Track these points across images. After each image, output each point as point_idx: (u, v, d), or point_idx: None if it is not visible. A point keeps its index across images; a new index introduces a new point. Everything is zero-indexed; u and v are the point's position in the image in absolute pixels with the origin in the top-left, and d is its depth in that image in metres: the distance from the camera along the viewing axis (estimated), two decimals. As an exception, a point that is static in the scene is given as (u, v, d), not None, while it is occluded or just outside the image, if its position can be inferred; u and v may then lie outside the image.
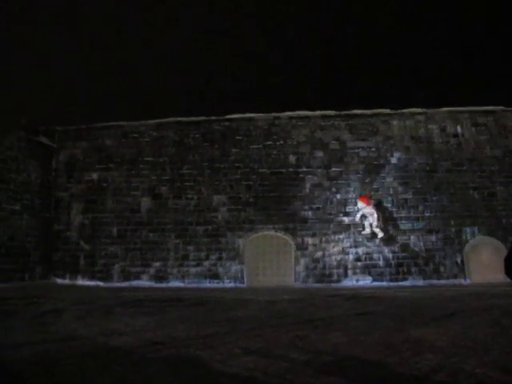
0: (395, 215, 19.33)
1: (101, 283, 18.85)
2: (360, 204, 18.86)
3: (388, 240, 18.99)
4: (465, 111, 20.63)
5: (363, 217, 18.76)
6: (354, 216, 19.01)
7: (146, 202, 19.87)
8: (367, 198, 18.93)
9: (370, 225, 18.57)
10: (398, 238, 19.07)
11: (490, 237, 18.77)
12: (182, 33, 52.28)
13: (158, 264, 19.14)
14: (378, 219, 18.63)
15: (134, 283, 18.73)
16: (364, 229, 18.75)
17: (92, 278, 19.19)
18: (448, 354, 6.01)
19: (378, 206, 19.10)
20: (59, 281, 19.27)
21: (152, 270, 19.12)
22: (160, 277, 19.02)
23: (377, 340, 6.99)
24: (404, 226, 19.19)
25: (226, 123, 20.59)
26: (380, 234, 18.53)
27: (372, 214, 18.55)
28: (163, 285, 18.57)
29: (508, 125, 20.42)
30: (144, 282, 18.83)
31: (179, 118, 20.93)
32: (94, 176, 20.32)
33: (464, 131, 20.34)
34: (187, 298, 13.42)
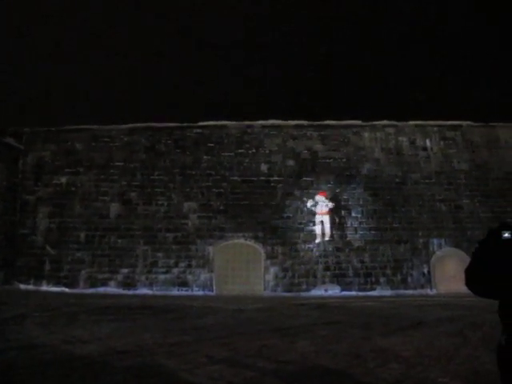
0: (364, 225, 19.54)
1: (66, 289, 18.39)
2: (318, 197, 19.08)
3: (357, 249, 19.19)
4: (433, 125, 21.11)
5: (320, 223, 18.98)
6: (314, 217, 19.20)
7: (115, 208, 19.55)
8: (324, 193, 19.18)
9: (323, 232, 18.85)
10: (367, 247, 19.26)
11: (455, 248, 19.16)
12: (157, 40, 52.09)
13: (125, 271, 18.83)
14: (332, 225, 18.88)
15: (101, 290, 18.35)
16: (321, 236, 18.98)
17: (57, 283, 18.71)
18: (413, 363, 6.08)
19: (336, 213, 19.32)
20: (22, 286, 18.69)
21: (120, 277, 18.78)
22: (128, 284, 18.70)
23: (344, 349, 7.02)
24: (373, 236, 19.40)
25: (199, 130, 20.51)
26: (327, 237, 18.79)
27: (327, 214, 18.85)
28: (131, 292, 18.25)
29: (474, 140, 20.96)
30: (111, 289, 18.46)
31: (151, 124, 20.75)
32: (63, 180, 19.89)
33: (433, 144, 20.78)
34: (155, 306, 13.23)
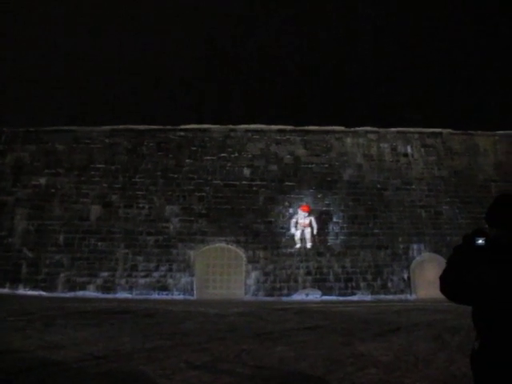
0: (345, 230, 19.64)
1: (44, 293, 18.03)
2: (300, 212, 19.08)
3: (338, 254, 19.27)
4: (414, 132, 21.39)
5: (301, 229, 19.00)
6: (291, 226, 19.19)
7: (95, 210, 19.32)
8: (307, 207, 19.18)
9: (302, 238, 18.89)
10: (348, 253, 19.36)
11: (435, 254, 19.37)
12: (140, 41, 51.82)
13: (105, 274, 18.58)
14: (313, 232, 18.93)
15: (80, 294, 18.05)
16: (301, 242, 19.01)
17: (34, 287, 18.34)
18: (391, 368, 6.11)
19: (318, 220, 19.38)
20: (-3, 290, 18.31)
21: (99, 281, 18.52)
22: (107, 287, 18.45)
23: (323, 354, 7.02)
24: (354, 241, 19.50)
25: (182, 133, 20.42)
26: (309, 245, 18.85)
27: (309, 226, 18.89)
28: (110, 296, 17.99)
29: (454, 147, 21.27)
30: (90, 293, 18.17)
31: (133, 126, 20.61)
32: (42, 181, 19.59)
33: (413, 151, 21.02)
34: (134, 310, 13.07)
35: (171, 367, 6.24)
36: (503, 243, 2.54)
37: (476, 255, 2.56)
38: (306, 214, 18.92)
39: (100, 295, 18.03)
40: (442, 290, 2.67)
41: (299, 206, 19.23)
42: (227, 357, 6.91)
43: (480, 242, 2.57)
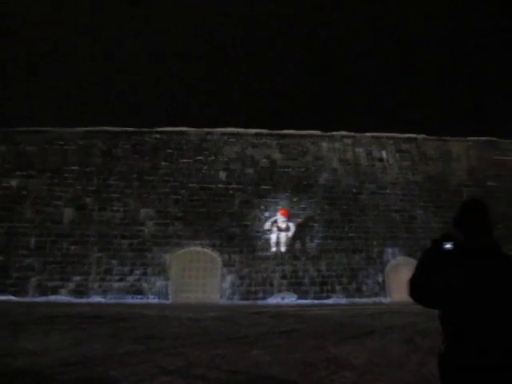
0: (321, 234, 19.72)
1: (14, 298, 17.60)
2: (279, 216, 19.15)
3: (313, 258, 19.33)
4: (390, 137, 21.65)
5: (277, 233, 19.08)
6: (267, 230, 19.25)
7: (68, 213, 18.97)
8: (287, 212, 19.25)
9: (278, 241, 18.97)
10: (324, 256, 19.44)
11: (409, 257, 19.59)
12: (118, 44, 51.34)
13: (78, 278, 18.24)
14: (288, 236, 19.02)
15: (52, 298, 17.67)
16: (277, 246, 19.08)
17: (3, 291, 17.86)
18: (364, 371, 6.12)
19: (293, 222, 19.47)
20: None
21: (71, 285, 18.17)
22: (80, 292, 18.12)
23: (297, 358, 6.99)
24: (329, 245, 19.59)
25: (157, 135, 20.26)
26: (283, 249, 18.93)
27: (285, 230, 18.98)
28: (83, 300, 17.68)
29: (428, 152, 21.61)
30: (62, 297, 17.81)
31: (108, 128, 20.33)
32: (13, 183, 19.15)
33: (388, 156, 21.27)
34: (107, 315, 12.84)
35: (143, 372, 6.12)
36: (471, 248, 2.57)
37: (444, 259, 2.58)
38: (286, 219, 18.99)
39: (73, 299, 17.69)
40: (411, 293, 2.68)
41: (279, 210, 19.28)
42: (201, 361, 6.83)
43: (448, 246, 2.59)
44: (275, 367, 6.43)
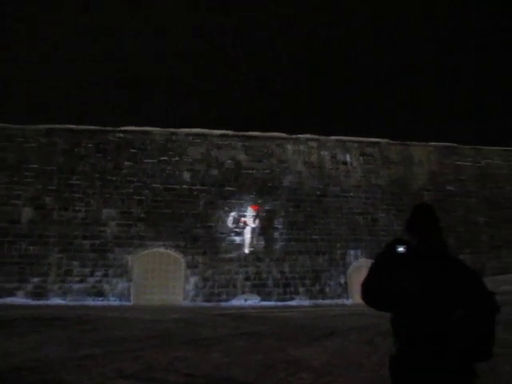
0: (285, 236, 19.83)
1: (-33, 300, 16.99)
2: (249, 211, 19.24)
3: (277, 260, 19.42)
4: (354, 141, 21.96)
5: (242, 235, 19.18)
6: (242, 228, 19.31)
7: (27, 213, 18.44)
8: (257, 206, 19.37)
9: (244, 243, 19.09)
10: (287, 258, 19.54)
11: (371, 259, 19.88)
12: (82, 39, 50.39)
13: (36, 280, 17.74)
14: (253, 238, 19.12)
15: (8, 300, 17.05)
16: (242, 246, 19.19)
17: (-43, 293, 17.26)
18: (322, 372, 6.17)
19: (258, 223, 19.56)
20: None
21: (29, 286, 17.66)
22: (38, 294, 17.62)
23: (257, 360, 6.99)
24: (293, 247, 19.72)
25: (121, 135, 19.94)
26: (249, 250, 19.04)
27: (250, 231, 19.10)
28: (41, 302, 17.18)
29: (391, 156, 22.04)
30: (19, 300, 17.26)
31: (71, 126, 19.88)
32: (-31, 181, 18.51)
33: (352, 160, 21.57)
34: (66, 317, 12.52)
35: (100, 376, 6.01)
36: (423, 251, 2.60)
37: (397, 262, 2.61)
38: (255, 213, 19.06)
39: (30, 302, 17.19)
40: (363, 296, 2.70)
41: (249, 206, 19.40)
42: (160, 365, 6.74)
43: (401, 249, 2.63)
44: (235, 369, 6.42)
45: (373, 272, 2.70)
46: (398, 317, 2.61)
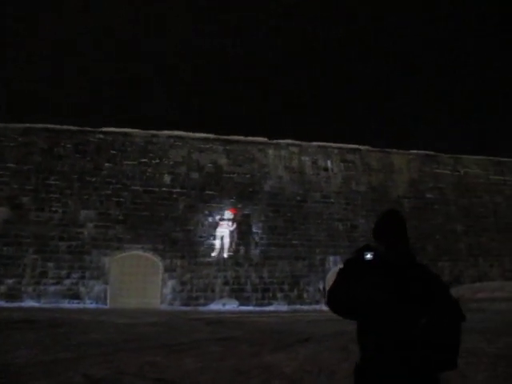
0: (264, 241, 19.79)
1: None
2: (227, 214, 19.25)
3: (256, 265, 19.37)
4: (335, 147, 22.06)
5: (221, 239, 19.14)
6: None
7: (3, 213, 18.06)
8: (235, 210, 19.39)
9: (222, 247, 19.05)
10: (266, 263, 19.50)
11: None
12: (68, 39, 49.91)
13: (10, 281, 17.37)
14: (232, 242, 19.11)
15: (-20, 302, 16.76)
16: (220, 251, 19.12)
17: None
18: (294, 379, 6.13)
19: (237, 228, 19.53)
20: None
21: (3, 288, 17.27)
22: (12, 295, 17.25)
23: (230, 366, 6.92)
24: (272, 252, 19.69)
25: (101, 136, 19.71)
26: (228, 254, 19.01)
27: (229, 235, 19.08)
28: (15, 304, 16.81)
29: (371, 163, 22.19)
30: (-8, 301, 16.93)
31: (50, 125, 19.58)
32: None
33: (333, 166, 21.66)
34: (39, 320, 12.27)
35: (67, 382, 5.88)
36: (390, 259, 2.57)
37: (364, 269, 2.57)
38: (232, 216, 19.05)
39: (3, 304, 16.80)
40: (328, 302, 2.66)
41: (227, 209, 19.38)
42: (130, 369, 6.63)
43: (368, 256, 2.60)
44: (206, 375, 6.34)
45: (339, 278, 2.66)
46: (363, 324, 2.58)
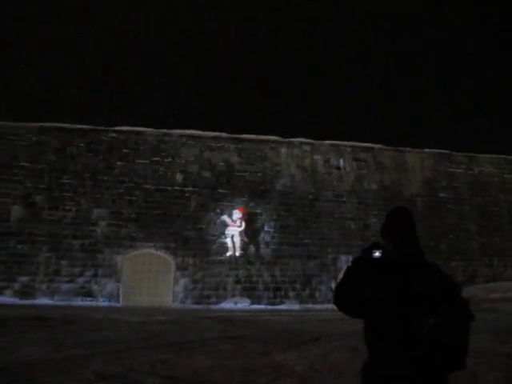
0: (276, 240, 19.75)
1: (-49, 298, 16.74)
2: (234, 212, 19.26)
3: (268, 263, 19.35)
4: (347, 146, 21.93)
5: (231, 237, 19.15)
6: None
7: (17, 211, 18.25)
8: (242, 209, 19.39)
9: (234, 245, 19.06)
10: (278, 262, 19.46)
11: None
12: (79, 39, 50.29)
13: (24, 279, 17.55)
14: (242, 240, 19.11)
15: (-5, 299, 16.91)
16: (232, 250, 19.14)
17: None
18: (305, 378, 6.09)
19: (249, 227, 19.53)
20: None
21: (17, 285, 17.46)
22: (26, 293, 17.43)
23: (240, 364, 6.90)
24: (284, 251, 19.64)
25: (114, 135, 19.81)
26: (239, 253, 19.00)
27: (239, 234, 19.09)
28: (29, 302, 16.98)
29: (384, 162, 22.02)
30: (6, 299, 17.01)
31: (63, 125, 19.73)
32: (-41, 178, 18.32)
33: (346, 164, 21.54)
34: (52, 317, 12.37)
35: (79, 378, 5.90)
36: (398, 257, 2.53)
37: (372, 268, 2.53)
38: (240, 215, 19.06)
39: (17, 301, 16.98)
40: (335, 301, 2.63)
41: (235, 208, 19.39)
42: (141, 367, 6.64)
43: (376, 254, 2.56)
44: (216, 373, 6.33)
45: (347, 276, 2.62)
46: (370, 323, 2.54)
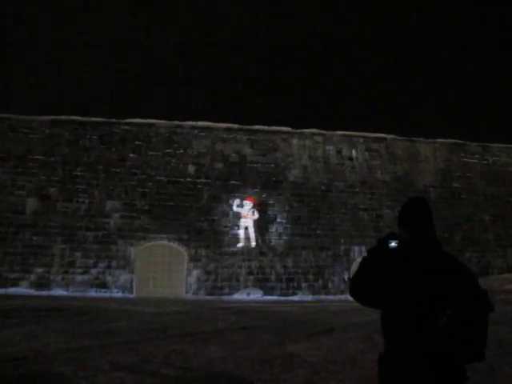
0: (289, 231, 19.74)
1: (-31, 289, 16.99)
2: (246, 202, 19.29)
3: (280, 254, 19.36)
4: (360, 136, 21.78)
5: (245, 229, 19.18)
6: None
7: (32, 203, 18.46)
8: (254, 199, 19.42)
9: (248, 237, 19.08)
10: (291, 253, 19.46)
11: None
12: (90, 32, 50.40)
13: (40, 270, 17.78)
14: (257, 230, 19.16)
15: (12, 290, 17.07)
16: (246, 241, 19.18)
17: (-40, 283, 17.30)
18: (318, 368, 6.10)
19: (261, 218, 19.54)
20: None
21: (33, 277, 17.70)
22: (41, 284, 17.67)
23: (253, 355, 6.93)
24: (297, 242, 19.63)
25: (126, 127, 19.89)
26: (253, 244, 19.02)
27: (251, 226, 19.12)
28: (44, 293, 17.21)
29: (397, 152, 21.84)
30: (22, 290, 17.28)
31: (76, 117, 19.86)
32: (-26, 171, 18.54)
33: (358, 155, 21.41)
34: (67, 308, 12.54)
35: (94, 368, 5.98)
36: (414, 247, 2.51)
37: (388, 258, 2.52)
38: (251, 205, 19.09)
39: (33, 292, 17.23)
40: (351, 291, 2.62)
41: (245, 198, 19.40)
42: (155, 357, 6.71)
43: (393, 244, 2.54)
44: (230, 364, 6.36)
45: (363, 266, 2.61)
46: (386, 314, 2.53)
